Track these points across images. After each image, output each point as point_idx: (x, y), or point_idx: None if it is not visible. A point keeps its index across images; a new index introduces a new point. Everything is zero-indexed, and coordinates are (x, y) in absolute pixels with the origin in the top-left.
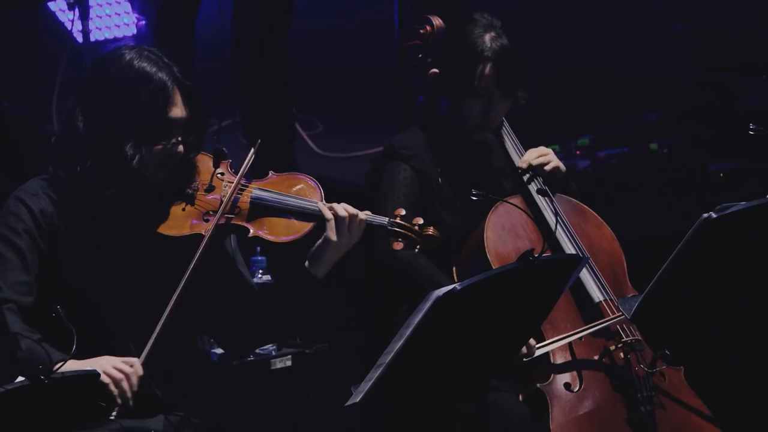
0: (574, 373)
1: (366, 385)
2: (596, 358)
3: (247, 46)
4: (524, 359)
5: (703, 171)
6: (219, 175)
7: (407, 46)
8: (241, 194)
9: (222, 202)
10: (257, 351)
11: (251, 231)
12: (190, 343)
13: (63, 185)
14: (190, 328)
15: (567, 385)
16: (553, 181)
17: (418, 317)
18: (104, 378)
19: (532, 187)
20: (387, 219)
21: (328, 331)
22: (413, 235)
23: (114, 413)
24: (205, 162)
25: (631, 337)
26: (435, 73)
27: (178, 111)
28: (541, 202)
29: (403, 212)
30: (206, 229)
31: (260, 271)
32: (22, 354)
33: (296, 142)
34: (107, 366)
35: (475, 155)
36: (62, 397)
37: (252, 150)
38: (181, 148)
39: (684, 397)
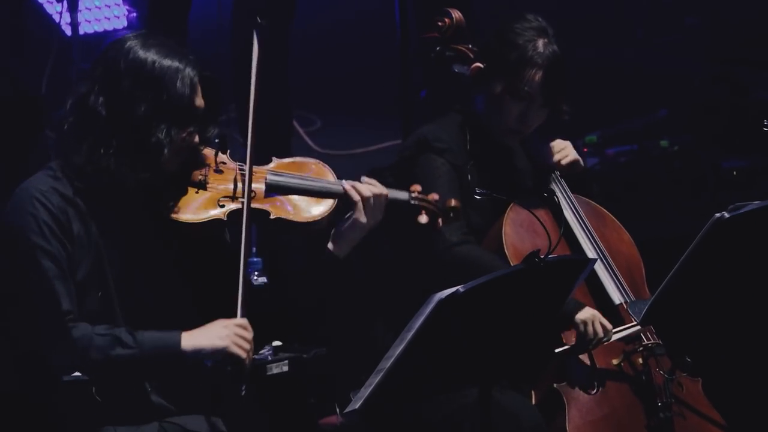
0: (593, 375)
1: (366, 391)
2: (615, 361)
3: (246, 41)
4: (603, 341)
5: (716, 169)
6: (222, 164)
7: (423, 39)
8: (254, 179)
9: (236, 186)
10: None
11: (272, 213)
12: None
13: (69, 177)
14: (184, 323)
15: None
16: (574, 180)
17: (419, 320)
18: (242, 354)
19: (554, 186)
20: (407, 193)
21: (327, 335)
22: (435, 209)
23: (244, 389)
24: (208, 152)
25: (652, 341)
26: (478, 68)
27: (200, 101)
28: (562, 201)
29: (419, 188)
30: (224, 213)
31: (256, 273)
32: (135, 351)
33: (292, 138)
34: (236, 340)
35: (501, 156)
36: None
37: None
38: (197, 138)
39: (702, 409)
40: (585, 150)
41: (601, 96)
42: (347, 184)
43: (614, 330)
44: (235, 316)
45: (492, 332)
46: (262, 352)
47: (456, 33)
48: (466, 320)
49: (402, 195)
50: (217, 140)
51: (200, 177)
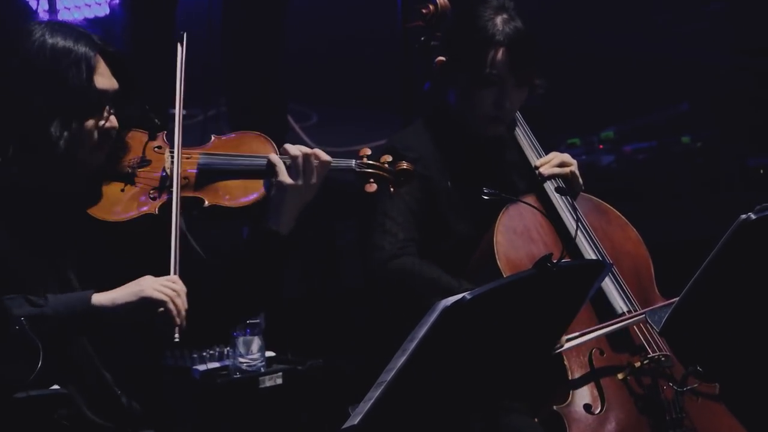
0: (595, 392)
1: (365, 406)
2: (620, 376)
3: (238, 30)
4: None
5: (741, 166)
6: (156, 149)
7: (408, 28)
8: (185, 164)
9: (166, 174)
10: (244, 368)
11: (206, 201)
12: (157, 346)
13: None
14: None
15: (587, 407)
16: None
17: (423, 330)
18: (161, 296)
19: (549, 185)
20: (353, 161)
21: (324, 346)
22: (385, 174)
23: (177, 335)
24: (137, 137)
25: (659, 353)
26: (441, 61)
27: (105, 81)
28: (558, 201)
29: (369, 152)
30: (156, 207)
31: None
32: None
33: (287, 134)
34: (155, 285)
35: (486, 153)
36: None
37: (180, 49)
38: (113, 121)
39: (718, 418)
40: (600, 147)
41: (617, 88)
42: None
43: (567, 337)
44: None
45: (500, 343)
46: (254, 363)
47: (441, 21)
48: (472, 330)
49: (345, 163)
50: (153, 123)
51: (128, 169)
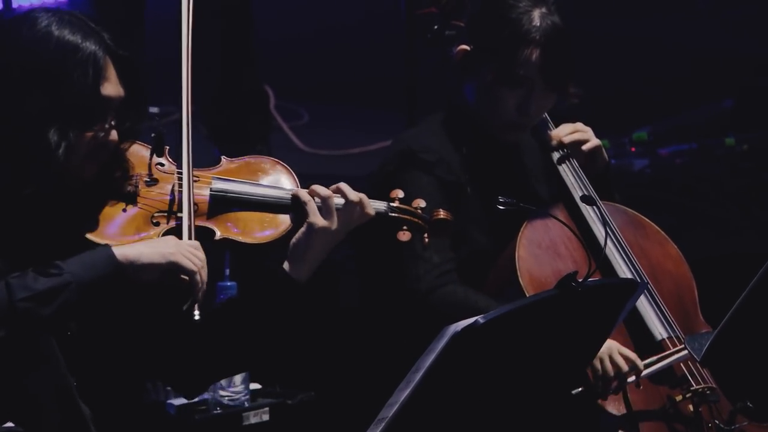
0: (631, 430)
1: None
2: (658, 410)
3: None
4: (628, 380)
5: None
6: (159, 167)
7: (419, 15)
8: (195, 188)
9: (173, 197)
10: (226, 402)
11: (218, 233)
12: (138, 386)
13: None
14: (135, 364)
15: None
16: (595, 178)
17: (430, 359)
18: (191, 266)
19: (575, 192)
20: (386, 203)
21: (316, 377)
22: (419, 221)
23: (198, 312)
24: (138, 152)
25: (703, 385)
26: (465, 50)
27: (112, 88)
28: (588, 212)
29: (401, 194)
30: (159, 233)
31: None
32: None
33: (274, 135)
34: (184, 250)
35: (506, 156)
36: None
37: (185, 111)
38: (114, 135)
39: None
40: (633, 150)
41: (651, 83)
42: (299, 189)
43: (646, 362)
44: None
45: (518, 374)
46: (236, 397)
47: (458, 7)
48: (486, 359)
49: (378, 205)
50: (153, 135)
51: (130, 188)
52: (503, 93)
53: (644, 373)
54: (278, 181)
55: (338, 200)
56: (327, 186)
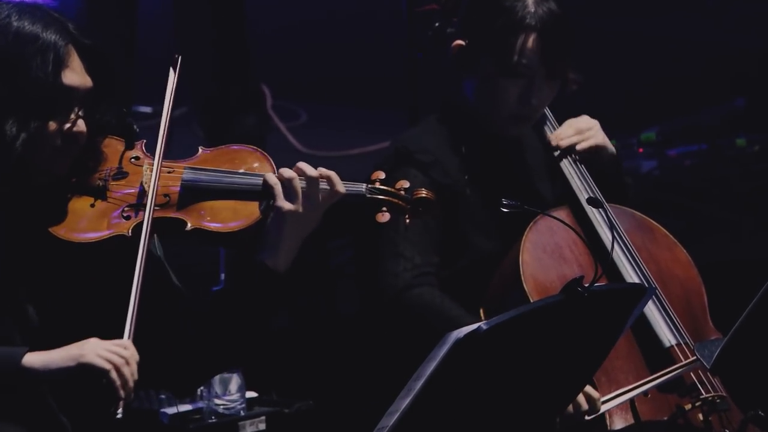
0: None
1: None
2: (667, 419)
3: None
4: (585, 417)
5: None
6: (133, 160)
7: (419, 12)
8: (167, 179)
9: (143, 190)
10: (221, 411)
11: (189, 224)
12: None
13: None
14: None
15: None
16: (604, 176)
17: (431, 366)
18: (103, 365)
19: (581, 194)
20: (365, 185)
21: (314, 384)
22: (399, 201)
23: (120, 411)
24: (112, 146)
25: (713, 393)
26: (460, 45)
27: (75, 78)
28: (594, 215)
29: (382, 175)
30: (129, 227)
31: None
32: None
33: (271, 135)
34: (99, 350)
35: (507, 154)
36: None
37: (172, 74)
38: (81, 125)
39: None
40: (640, 150)
41: (659, 81)
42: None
43: (603, 399)
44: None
45: (522, 382)
46: (232, 405)
47: (459, 4)
48: (489, 366)
49: (356, 187)
50: (123, 127)
51: (98, 182)
52: (503, 85)
53: (603, 409)
54: (254, 168)
55: (302, 182)
56: None
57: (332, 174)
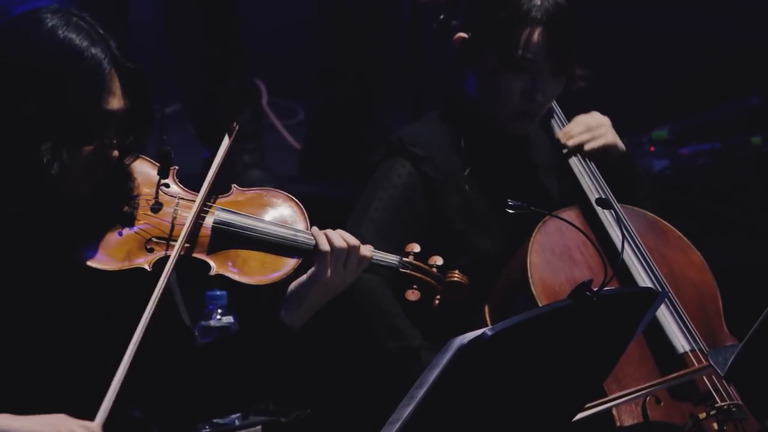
0: None
1: None
2: (680, 429)
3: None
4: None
5: None
6: (164, 188)
7: (423, 4)
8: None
9: (173, 225)
10: (215, 420)
11: (214, 268)
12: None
13: None
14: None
15: None
16: (612, 175)
17: (434, 374)
18: None
19: (591, 195)
20: (398, 257)
21: (312, 392)
22: (432, 281)
23: None
24: (143, 168)
25: (728, 402)
26: (462, 38)
27: (115, 101)
28: (605, 215)
29: (417, 248)
30: (150, 262)
31: (219, 311)
32: None
33: (266, 133)
34: (66, 430)
35: (514, 151)
36: None
37: (226, 140)
38: (115, 152)
39: None
40: (652, 149)
41: (671, 78)
42: (317, 230)
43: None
44: None
45: (528, 389)
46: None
47: None
48: (494, 373)
49: (389, 259)
50: (159, 154)
51: (128, 209)
52: (507, 80)
53: (660, 386)
54: (288, 219)
55: (349, 253)
56: (323, 200)
57: (361, 245)
